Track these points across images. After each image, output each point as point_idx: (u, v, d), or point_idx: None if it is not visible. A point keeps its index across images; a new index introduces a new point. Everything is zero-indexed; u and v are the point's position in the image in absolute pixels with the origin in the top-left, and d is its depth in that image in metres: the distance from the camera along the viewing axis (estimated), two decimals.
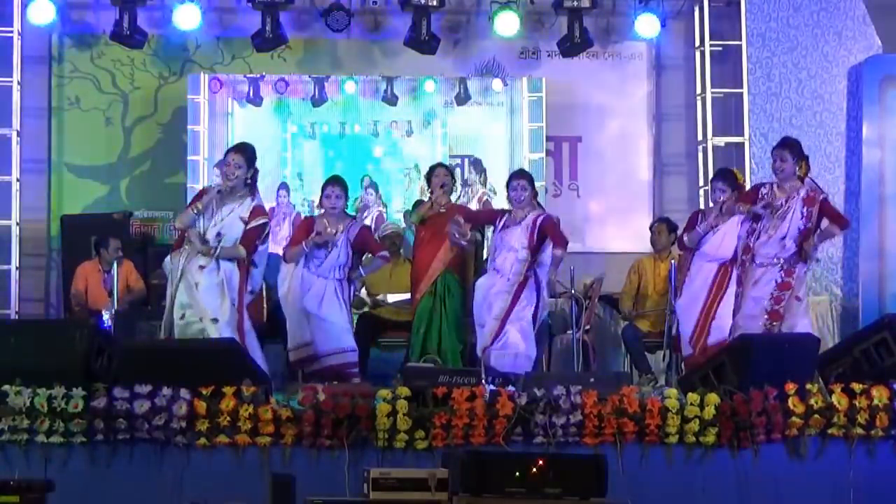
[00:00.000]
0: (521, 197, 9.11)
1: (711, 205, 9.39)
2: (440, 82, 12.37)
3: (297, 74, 12.33)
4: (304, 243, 8.97)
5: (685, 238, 9.27)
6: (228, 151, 8.51)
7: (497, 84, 12.42)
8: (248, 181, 8.36)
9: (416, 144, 12.39)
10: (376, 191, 12.28)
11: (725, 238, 9.02)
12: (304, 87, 12.32)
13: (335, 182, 9.25)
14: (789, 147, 8.89)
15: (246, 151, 8.42)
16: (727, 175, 9.33)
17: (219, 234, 8.21)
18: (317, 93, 12.28)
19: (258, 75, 12.25)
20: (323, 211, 9.25)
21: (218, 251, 8.16)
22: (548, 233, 9.03)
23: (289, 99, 12.32)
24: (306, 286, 8.94)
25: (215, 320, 8.04)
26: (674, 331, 9.41)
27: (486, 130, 12.48)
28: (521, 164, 11.92)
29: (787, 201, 8.78)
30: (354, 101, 12.37)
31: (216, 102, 12.21)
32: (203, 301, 8.09)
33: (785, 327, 8.67)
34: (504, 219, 9.17)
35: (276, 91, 12.25)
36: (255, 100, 12.26)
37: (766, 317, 8.69)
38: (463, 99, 12.43)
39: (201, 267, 8.16)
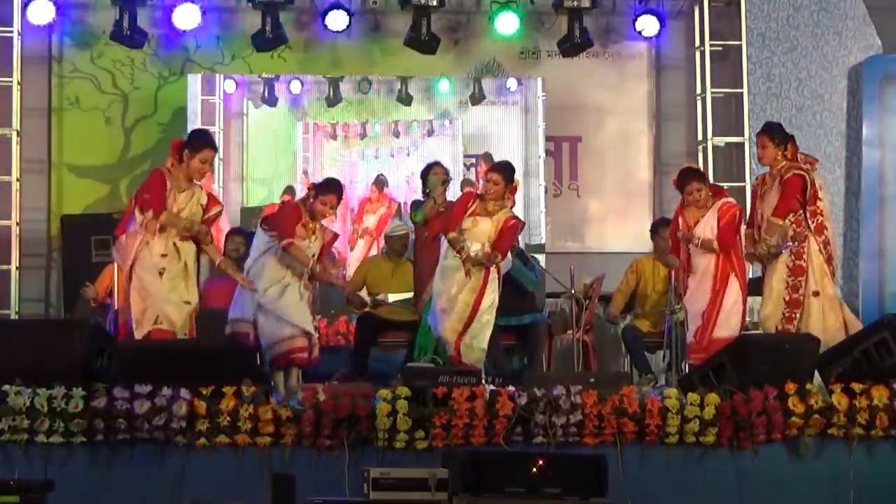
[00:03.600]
0: (489, 189, 8.80)
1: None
2: (454, 82, 12.38)
3: (311, 75, 12.34)
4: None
5: (679, 235, 8.99)
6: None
7: (511, 83, 12.45)
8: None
9: (436, 144, 12.38)
10: (381, 189, 12.28)
11: (706, 231, 8.71)
12: (318, 87, 12.33)
13: (335, 190, 8.84)
14: (766, 132, 8.68)
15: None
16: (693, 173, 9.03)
17: None
18: (332, 93, 12.30)
19: (273, 76, 12.27)
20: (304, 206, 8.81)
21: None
22: (500, 235, 8.75)
23: (303, 99, 12.34)
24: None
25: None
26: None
27: (497, 130, 12.47)
28: (532, 163, 11.97)
29: (772, 184, 8.60)
30: (369, 101, 12.38)
31: (231, 103, 12.24)
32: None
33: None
34: (474, 205, 8.80)
35: (290, 91, 12.25)
36: (271, 100, 12.28)
37: (785, 308, 8.46)
38: (478, 98, 12.44)
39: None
